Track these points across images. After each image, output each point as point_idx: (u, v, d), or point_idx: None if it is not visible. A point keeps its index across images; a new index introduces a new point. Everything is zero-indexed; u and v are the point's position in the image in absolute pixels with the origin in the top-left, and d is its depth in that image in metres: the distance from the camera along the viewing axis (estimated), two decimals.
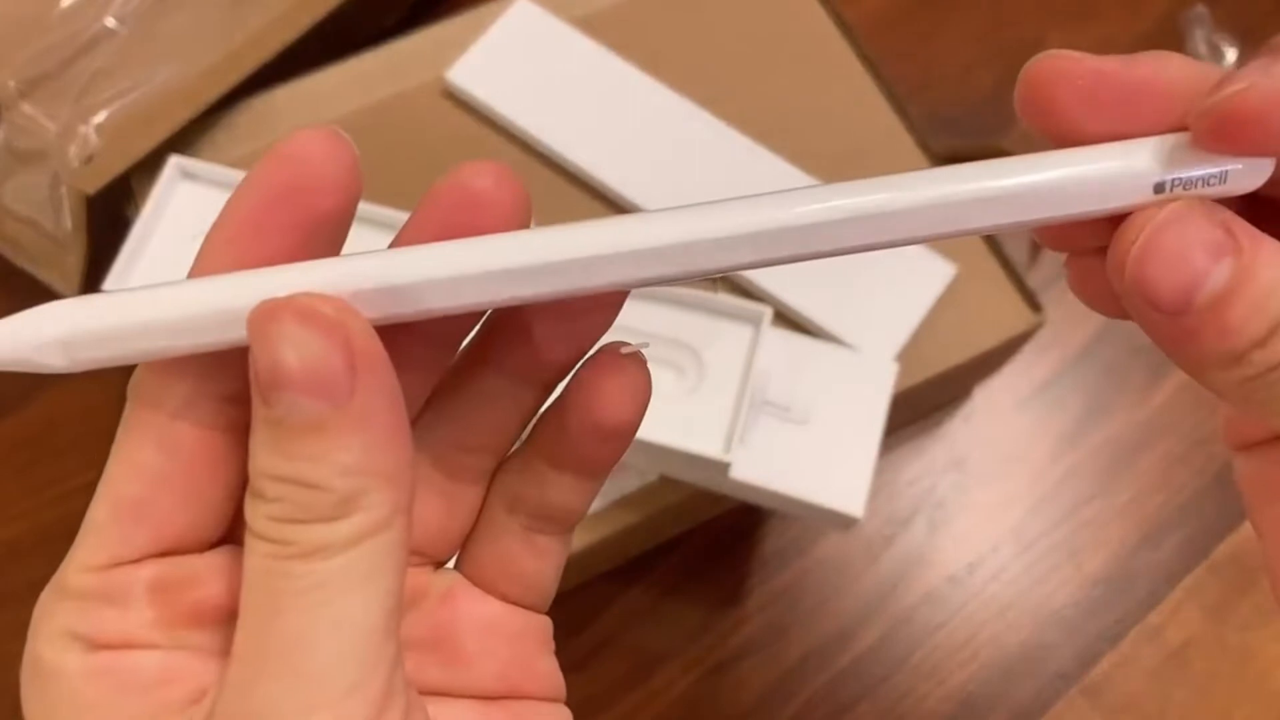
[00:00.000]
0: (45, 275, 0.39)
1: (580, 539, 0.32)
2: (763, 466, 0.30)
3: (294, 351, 0.13)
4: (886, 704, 0.37)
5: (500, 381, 0.16)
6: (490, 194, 0.14)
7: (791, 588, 0.39)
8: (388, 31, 0.40)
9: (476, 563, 0.17)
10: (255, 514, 0.13)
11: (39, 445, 0.39)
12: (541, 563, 0.17)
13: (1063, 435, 0.41)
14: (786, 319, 0.34)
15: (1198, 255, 0.14)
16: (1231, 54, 0.46)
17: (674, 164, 0.37)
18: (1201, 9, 0.47)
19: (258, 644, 0.13)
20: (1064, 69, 0.14)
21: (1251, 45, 0.47)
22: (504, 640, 0.17)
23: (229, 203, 0.14)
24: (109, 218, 0.37)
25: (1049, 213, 0.15)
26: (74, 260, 0.38)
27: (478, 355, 0.16)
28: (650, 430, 0.29)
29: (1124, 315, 0.16)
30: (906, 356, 0.34)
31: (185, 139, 0.37)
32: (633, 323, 0.31)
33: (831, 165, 0.37)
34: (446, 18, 0.40)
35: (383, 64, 0.39)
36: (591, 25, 0.39)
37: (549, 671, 0.18)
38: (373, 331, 0.13)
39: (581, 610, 0.38)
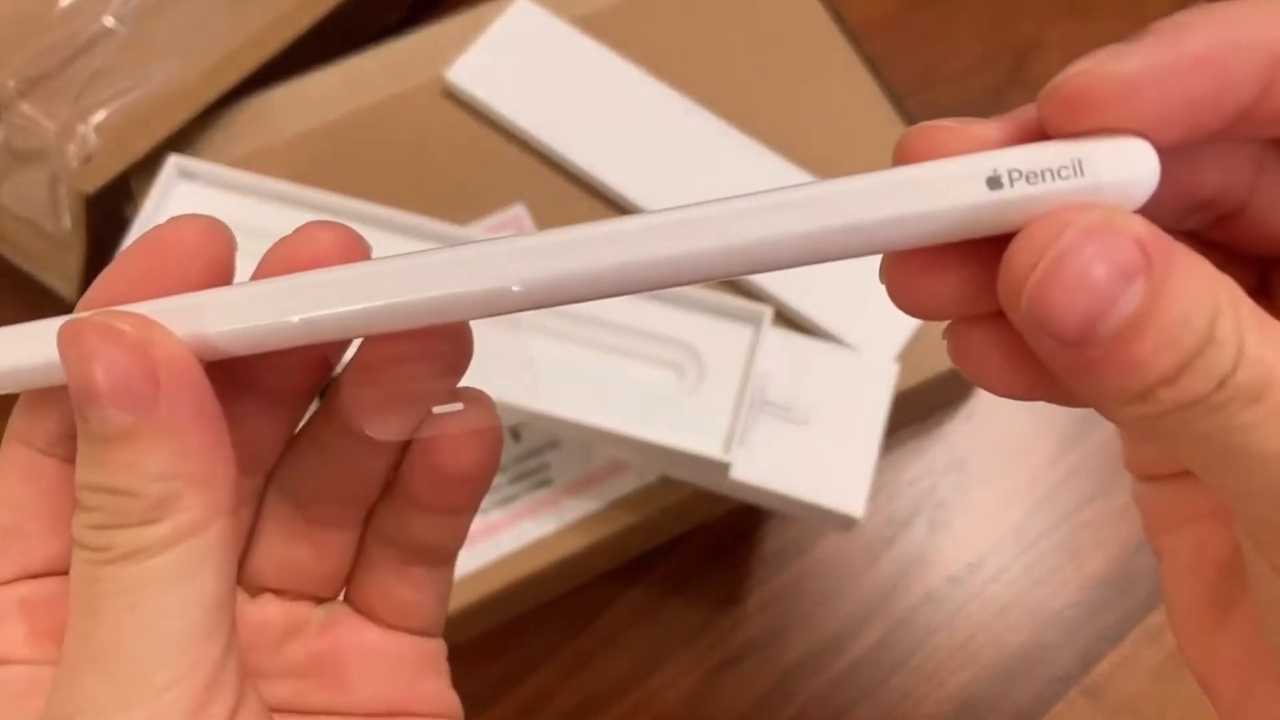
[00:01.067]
0: (44, 275, 0.39)
1: (580, 539, 0.32)
2: (763, 467, 0.30)
3: (99, 366, 0.13)
4: (887, 704, 0.37)
5: (349, 439, 0.16)
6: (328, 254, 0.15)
7: (791, 588, 0.39)
8: (387, 31, 0.40)
9: (359, 594, 0.18)
10: (78, 524, 0.14)
11: None
12: (420, 593, 0.18)
13: (1064, 435, 0.41)
14: (786, 319, 0.34)
15: (1106, 277, 0.12)
16: None
17: (674, 163, 0.37)
18: (1201, 6, 0.47)
19: (81, 646, 0.14)
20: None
21: None
22: (386, 665, 0.18)
23: (100, 279, 0.15)
24: (108, 217, 0.36)
25: (874, 214, 0.13)
26: (73, 260, 0.38)
27: (331, 405, 0.17)
28: (650, 430, 0.29)
29: (1027, 396, 0.14)
30: (906, 356, 0.34)
31: (184, 138, 0.37)
32: (632, 322, 0.31)
33: (831, 164, 0.37)
34: (446, 17, 0.40)
35: (382, 63, 0.39)
36: (592, 24, 0.39)
37: (436, 693, 0.19)
38: (178, 344, 0.14)
39: (581, 610, 0.38)
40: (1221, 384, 0.12)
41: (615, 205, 0.37)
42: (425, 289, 0.14)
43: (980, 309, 0.14)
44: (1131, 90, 0.13)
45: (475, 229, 0.35)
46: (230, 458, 0.14)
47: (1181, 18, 0.13)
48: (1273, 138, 0.14)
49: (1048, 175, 0.13)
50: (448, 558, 0.18)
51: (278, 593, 0.18)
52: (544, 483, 0.33)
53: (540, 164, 0.37)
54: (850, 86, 0.39)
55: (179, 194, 0.34)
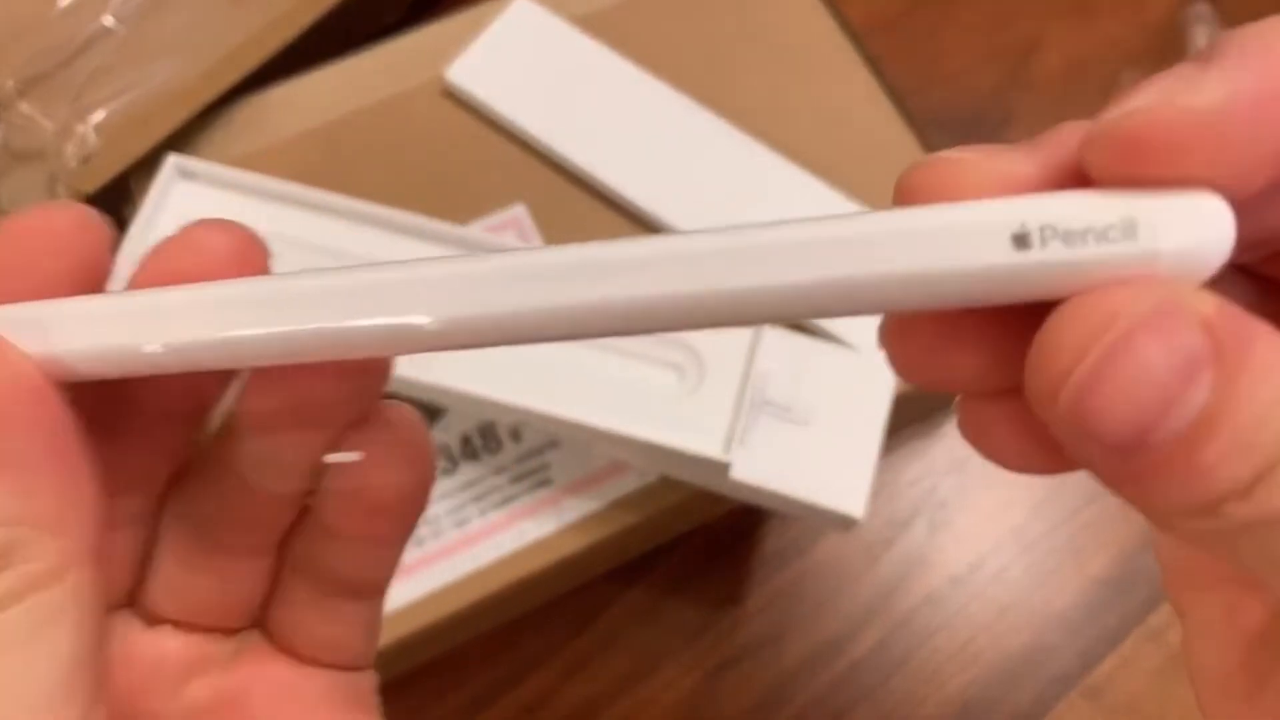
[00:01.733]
0: None
1: (580, 539, 0.32)
2: (763, 467, 0.30)
3: None
4: (887, 705, 0.37)
5: None
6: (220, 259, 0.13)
7: (792, 588, 0.39)
8: (386, 30, 0.40)
9: (274, 626, 0.16)
10: None
11: None
12: (343, 628, 0.16)
13: None
14: None
15: (1167, 375, 0.10)
16: None
17: (674, 162, 0.37)
18: (1204, 6, 0.47)
19: None
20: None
21: None
22: (301, 704, 0.16)
23: None
24: (107, 218, 0.36)
25: (866, 270, 0.10)
26: None
27: (229, 423, 0.15)
28: (650, 430, 0.29)
29: (1055, 472, 0.12)
30: None
31: (183, 138, 0.37)
32: None
33: (831, 164, 0.36)
34: (446, 16, 0.40)
35: (381, 62, 0.39)
36: (591, 24, 0.39)
37: None
38: (25, 362, 0.12)
39: (581, 611, 0.38)
40: None
41: (615, 204, 0.37)
42: (318, 318, 0.11)
43: (1002, 384, 0.12)
44: (1213, 133, 0.10)
45: (475, 228, 0.35)
46: (91, 496, 0.12)
47: (1266, 28, 0.10)
48: None
49: (1091, 237, 0.10)
50: (374, 590, 0.16)
51: (178, 624, 0.16)
52: (544, 483, 0.33)
53: (540, 163, 0.37)
54: (851, 86, 0.39)
55: (178, 194, 0.33)
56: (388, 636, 0.31)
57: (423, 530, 0.32)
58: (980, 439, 0.12)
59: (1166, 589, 0.15)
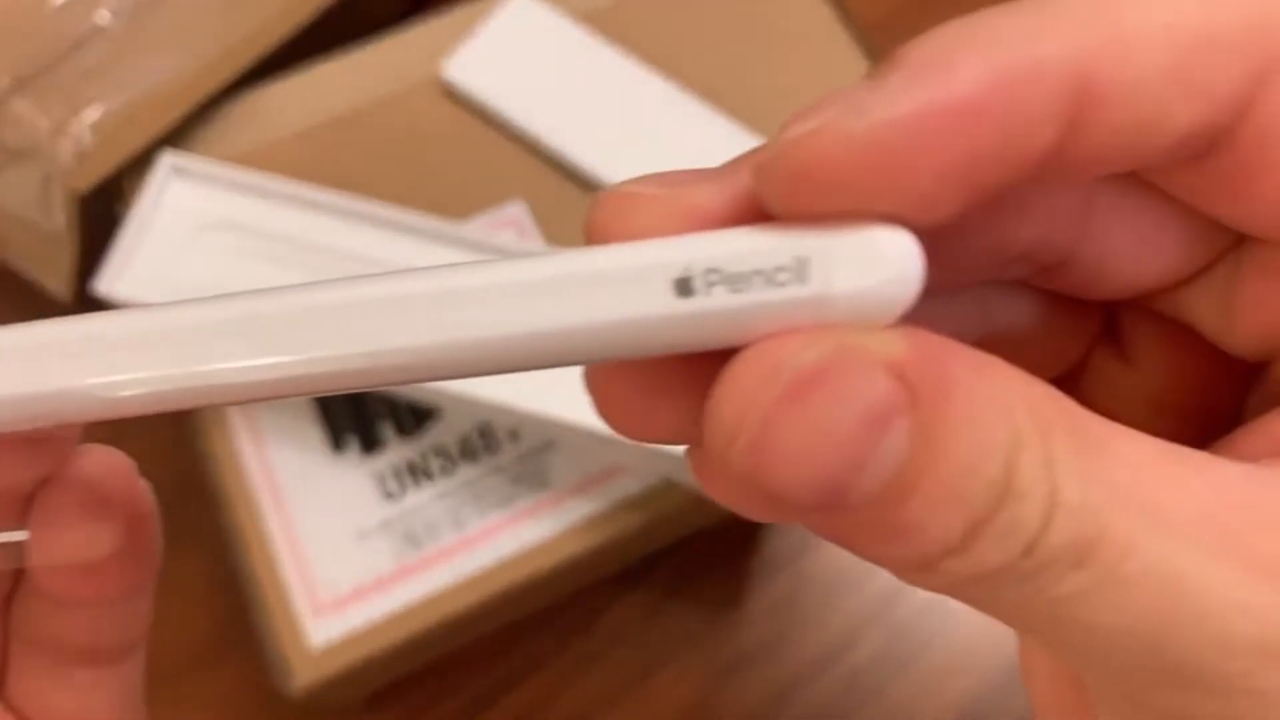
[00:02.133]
0: (37, 274, 0.39)
1: (580, 543, 0.32)
2: None
3: None
4: (887, 710, 0.37)
5: None
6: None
7: (792, 593, 0.38)
8: (384, 25, 0.40)
9: (13, 700, 0.14)
10: None
11: None
12: (89, 697, 0.14)
13: None
14: None
15: (850, 432, 0.09)
16: None
17: (673, 160, 0.37)
18: None
19: None
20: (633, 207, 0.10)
21: None
22: None
23: None
24: (101, 215, 0.36)
25: (509, 326, 0.09)
26: (66, 258, 0.37)
27: None
28: None
29: (785, 519, 0.11)
30: None
31: (178, 135, 0.37)
32: None
33: None
34: (443, 12, 0.39)
35: (379, 59, 0.39)
36: (590, 19, 0.39)
37: None
38: None
39: (581, 614, 0.38)
40: (1029, 549, 0.09)
41: None
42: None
43: None
44: (879, 159, 0.09)
45: (474, 225, 0.35)
46: None
47: (940, 39, 0.10)
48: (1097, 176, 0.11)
49: (758, 280, 0.09)
50: (120, 654, 0.15)
51: None
52: (543, 485, 0.32)
53: (538, 160, 0.37)
54: (854, 82, 0.39)
55: (172, 191, 0.33)
56: (386, 641, 0.30)
57: (421, 532, 0.32)
58: (710, 488, 0.11)
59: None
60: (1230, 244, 0.12)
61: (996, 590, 0.09)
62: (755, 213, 0.10)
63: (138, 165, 0.35)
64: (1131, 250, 0.12)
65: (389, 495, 0.32)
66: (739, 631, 0.38)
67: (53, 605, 0.14)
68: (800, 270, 0.09)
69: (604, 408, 0.11)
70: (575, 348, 0.10)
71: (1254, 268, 0.12)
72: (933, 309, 0.12)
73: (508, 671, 0.37)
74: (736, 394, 0.09)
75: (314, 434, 0.33)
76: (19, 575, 0.14)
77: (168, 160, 0.33)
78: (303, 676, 0.30)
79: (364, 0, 0.41)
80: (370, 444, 0.33)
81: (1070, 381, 0.14)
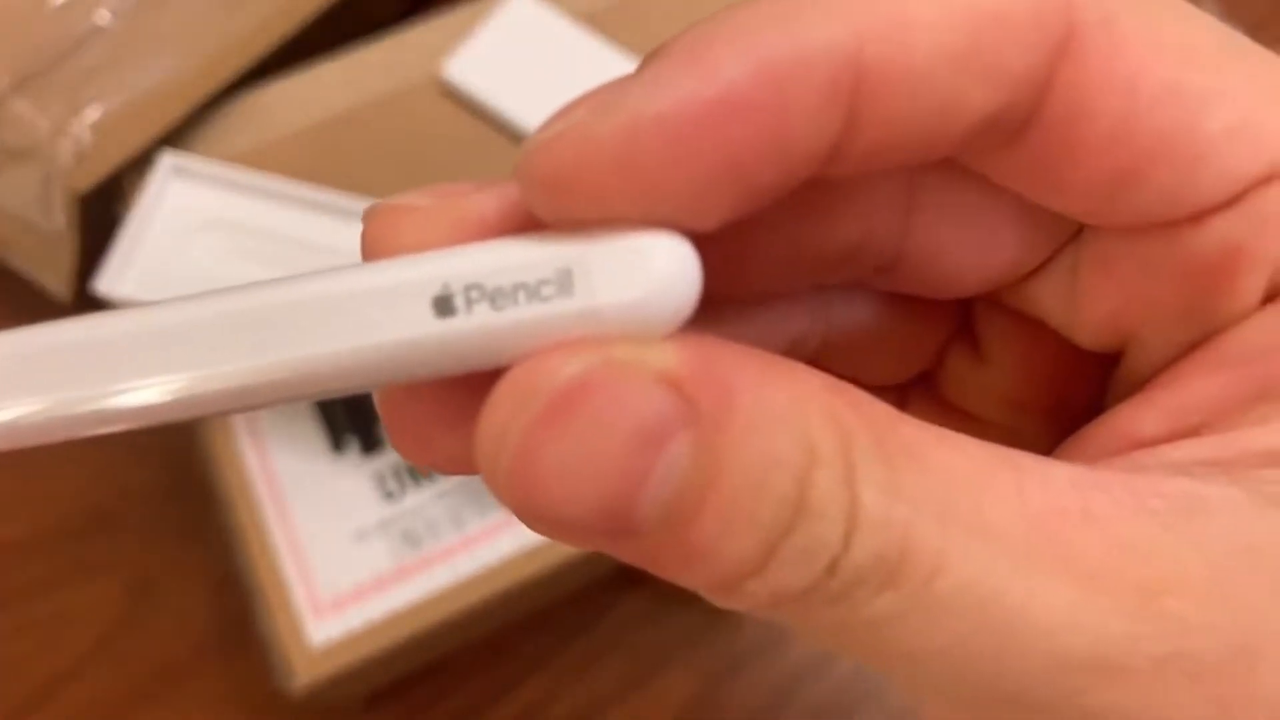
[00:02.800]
0: (37, 274, 0.39)
1: None
2: None
3: None
4: (888, 711, 0.37)
5: None
6: None
7: None
8: (383, 25, 0.40)
9: None
10: None
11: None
12: None
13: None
14: None
15: (619, 454, 0.08)
16: None
17: None
18: (1208, 3, 0.46)
19: None
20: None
21: (1260, 39, 0.46)
22: None
23: None
24: (101, 215, 0.36)
25: (253, 358, 0.09)
26: (65, 258, 0.37)
27: None
28: None
29: None
30: None
31: (177, 135, 0.37)
32: None
33: None
34: (443, 11, 0.39)
35: (378, 58, 0.39)
36: (590, 19, 0.39)
37: None
38: None
39: (582, 615, 0.38)
40: (832, 569, 0.08)
41: None
42: None
43: None
44: (629, 162, 0.08)
45: None
46: None
47: (703, 28, 0.09)
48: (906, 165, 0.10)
49: (522, 295, 0.09)
50: None
51: None
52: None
53: None
54: None
55: (172, 190, 0.33)
56: (386, 640, 0.30)
57: (421, 532, 0.32)
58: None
59: None
60: (1070, 234, 0.11)
61: (809, 613, 0.09)
62: (531, 222, 0.09)
63: (138, 165, 0.35)
64: (965, 245, 0.11)
65: (389, 495, 0.32)
66: (740, 631, 0.38)
67: None
68: (564, 283, 0.09)
69: (393, 436, 0.10)
70: (337, 374, 0.09)
71: (1091, 257, 0.11)
72: (768, 316, 0.12)
73: (508, 672, 0.37)
74: (494, 417, 0.08)
75: (314, 435, 0.33)
76: None
77: (168, 160, 0.33)
78: (303, 676, 0.30)
79: (363, 2, 0.41)
80: (370, 444, 0.33)
81: (928, 382, 0.13)
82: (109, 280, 0.31)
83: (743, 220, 0.10)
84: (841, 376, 0.12)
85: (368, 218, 0.10)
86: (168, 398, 0.09)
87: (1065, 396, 0.13)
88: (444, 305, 0.09)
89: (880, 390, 0.12)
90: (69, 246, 0.37)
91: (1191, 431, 0.10)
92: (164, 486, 0.37)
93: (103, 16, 0.37)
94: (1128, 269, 0.11)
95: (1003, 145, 0.10)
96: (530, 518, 0.09)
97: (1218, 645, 0.09)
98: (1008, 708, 0.09)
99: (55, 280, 0.38)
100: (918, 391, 0.13)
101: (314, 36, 0.38)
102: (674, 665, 0.37)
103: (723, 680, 0.37)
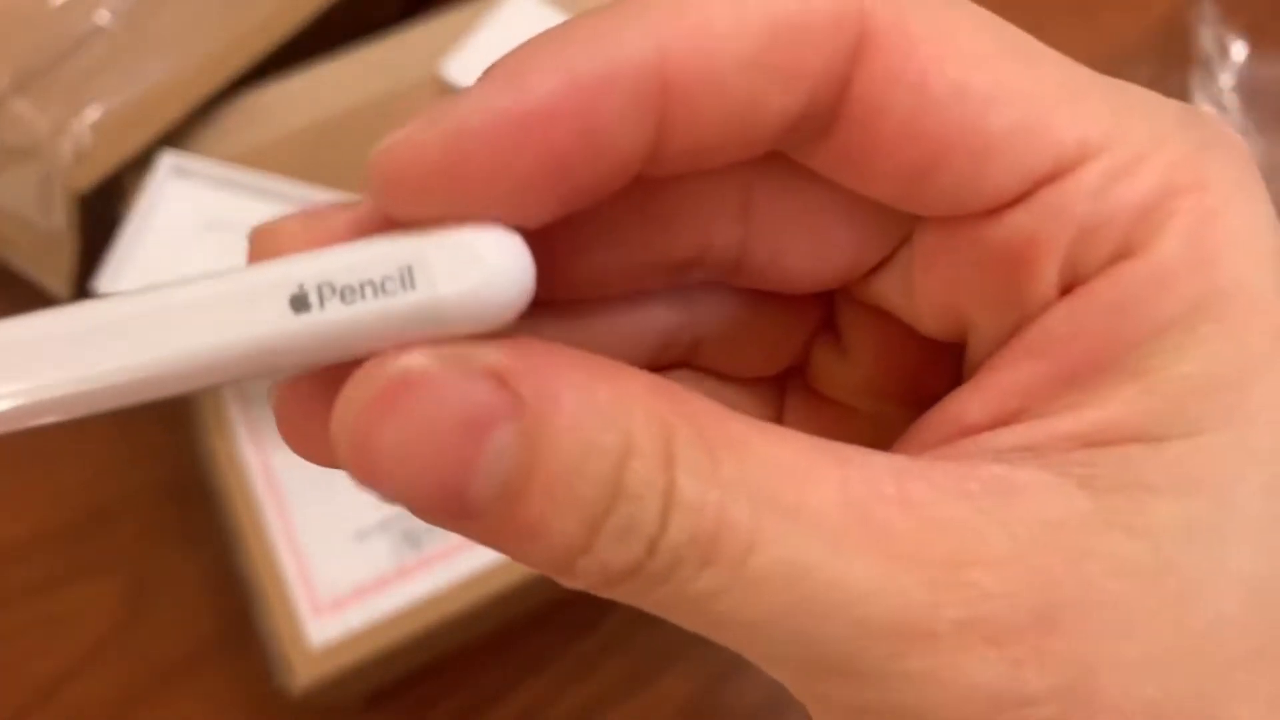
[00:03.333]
0: (37, 273, 0.39)
1: None
2: None
3: None
4: None
5: None
6: None
7: None
8: (382, 25, 0.40)
9: None
10: None
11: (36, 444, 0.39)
12: None
13: None
14: None
15: (448, 438, 0.09)
16: (1239, 50, 0.46)
17: None
18: (1208, 4, 0.47)
19: None
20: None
21: (1260, 40, 0.46)
22: None
23: None
24: (101, 215, 0.36)
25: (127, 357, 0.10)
26: (65, 258, 0.37)
27: None
28: None
29: None
30: None
31: (177, 135, 0.37)
32: None
33: None
34: (442, 11, 0.39)
35: (378, 58, 0.39)
36: None
37: None
38: None
39: (583, 615, 0.38)
40: (652, 548, 0.09)
41: None
42: None
43: None
44: (456, 164, 0.09)
45: None
46: None
47: (524, 49, 0.10)
48: (751, 159, 0.11)
49: (369, 290, 0.09)
50: None
51: None
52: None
53: None
54: None
55: (172, 191, 0.33)
56: (382, 640, 0.30)
57: (421, 533, 0.32)
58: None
59: None
60: (905, 232, 0.12)
61: (642, 592, 0.10)
62: (387, 229, 0.10)
63: (137, 165, 0.35)
64: (804, 244, 0.12)
65: None
66: None
67: None
68: (406, 277, 0.09)
69: (281, 429, 0.11)
70: (209, 369, 0.10)
71: (921, 251, 0.12)
72: (635, 316, 0.13)
73: (508, 672, 0.37)
74: (340, 406, 0.09)
75: None
76: None
77: (167, 160, 0.33)
78: (303, 676, 0.30)
79: (362, 2, 0.41)
80: None
81: (798, 375, 0.14)
82: (108, 279, 0.31)
83: (584, 221, 0.11)
84: (715, 370, 0.13)
85: (250, 239, 0.11)
86: (42, 396, 0.10)
87: (922, 384, 0.13)
88: (300, 302, 0.09)
89: (757, 383, 0.14)
90: (69, 246, 0.37)
91: (1012, 417, 0.11)
92: (164, 486, 0.37)
93: (103, 16, 0.38)
94: (949, 261, 0.12)
95: (812, 141, 0.11)
96: (382, 497, 0.09)
97: (1016, 611, 0.09)
98: (836, 676, 0.10)
99: (55, 279, 0.39)
100: (794, 384, 0.14)
101: (313, 37, 0.38)
102: (674, 666, 0.37)
103: (723, 681, 0.37)
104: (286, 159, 0.37)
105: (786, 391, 0.14)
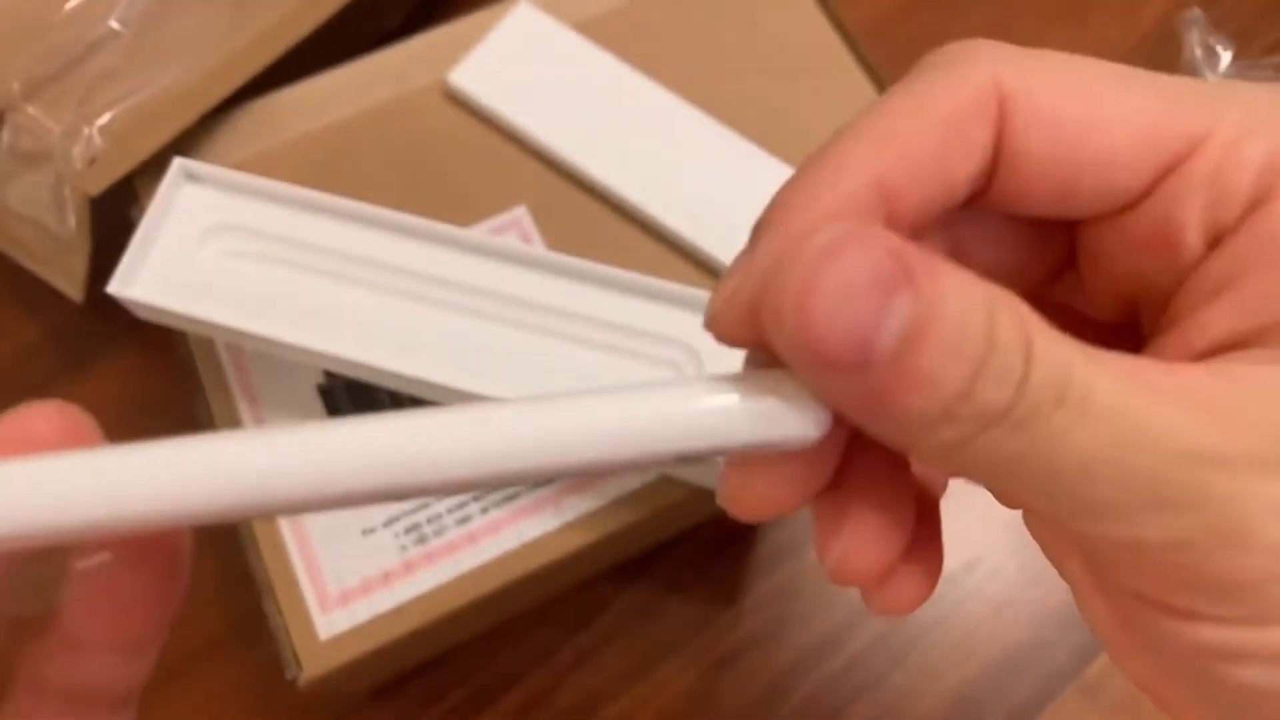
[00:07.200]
0: (50, 276, 0.40)
1: (580, 537, 0.32)
2: None
3: None
4: (884, 701, 0.37)
5: None
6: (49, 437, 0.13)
7: (790, 585, 0.39)
8: (390, 34, 0.40)
9: None
10: None
11: None
12: None
13: None
14: None
15: (866, 291, 0.11)
16: (1227, 56, 0.47)
17: (674, 166, 0.37)
18: (1197, 11, 0.47)
19: None
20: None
21: (1246, 47, 0.47)
22: None
23: None
24: (113, 219, 0.37)
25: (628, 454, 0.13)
26: (78, 261, 0.38)
27: None
28: None
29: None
30: None
31: (189, 140, 0.37)
32: (631, 322, 0.31)
33: None
34: (448, 21, 0.40)
35: (385, 66, 0.39)
36: (593, 28, 0.39)
37: None
38: None
39: (584, 607, 0.38)
40: (1020, 389, 0.12)
41: (615, 206, 0.37)
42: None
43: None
44: (756, 324, 0.13)
45: (477, 230, 0.36)
46: None
47: (781, 205, 0.14)
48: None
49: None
50: (123, 701, 0.15)
51: None
52: (545, 481, 0.33)
53: (542, 167, 0.38)
54: (849, 90, 0.39)
55: (183, 195, 0.34)
56: (388, 633, 0.31)
57: (426, 528, 0.32)
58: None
59: (1052, 563, 0.17)
60: (1067, 239, 0.16)
61: (1000, 440, 0.12)
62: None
63: (149, 170, 0.36)
64: (992, 263, 0.16)
65: None
66: (738, 623, 0.38)
67: (71, 651, 0.14)
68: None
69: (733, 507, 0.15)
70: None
71: (1084, 250, 0.16)
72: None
73: (511, 665, 0.37)
74: (785, 268, 0.12)
75: None
76: (28, 623, 0.14)
77: (179, 164, 0.34)
78: (310, 668, 0.30)
79: (370, 9, 0.42)
80: None
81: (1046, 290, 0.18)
82: (121, 283, 0.32)
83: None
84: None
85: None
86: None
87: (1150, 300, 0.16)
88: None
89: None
90: (81, 249, 0.38)
91: (1229, 346, 0.13)
92: None
93: (114, 23, 0.38)
94: (1106, 253, 0.15)
95: (981, 186, 0.15)
96: (802, 350, 0.12)
97: None
98: (1150, 507, 0.12)
99: (68, 282, 0.39)
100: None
101: (321, 46, 0.39)
102: (674, 658, 0.38)
103: (721, 672, 0.38)
104: (296, 164, 0.37)
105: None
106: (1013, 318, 0.12)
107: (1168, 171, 0.14)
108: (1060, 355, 0.12)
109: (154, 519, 0.12)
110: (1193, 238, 0.14)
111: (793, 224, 0.14)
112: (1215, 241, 0.14)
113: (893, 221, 0.14)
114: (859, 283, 0.11)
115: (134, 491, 0.12)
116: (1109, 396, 0.12)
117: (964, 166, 0.14)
